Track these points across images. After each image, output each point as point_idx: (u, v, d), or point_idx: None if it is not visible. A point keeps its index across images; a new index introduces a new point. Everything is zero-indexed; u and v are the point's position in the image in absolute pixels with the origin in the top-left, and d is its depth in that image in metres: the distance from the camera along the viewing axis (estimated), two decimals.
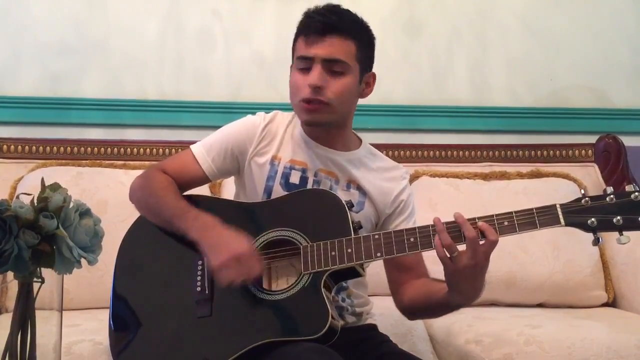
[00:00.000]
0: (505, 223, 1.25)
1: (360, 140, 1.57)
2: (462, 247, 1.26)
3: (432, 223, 1.29)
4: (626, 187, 1.21)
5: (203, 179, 1.52)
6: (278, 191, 1.47)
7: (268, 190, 1.47)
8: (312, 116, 1.43)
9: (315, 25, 1.41)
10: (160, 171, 1.51)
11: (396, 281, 1.52)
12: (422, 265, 1.51)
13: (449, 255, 1.25)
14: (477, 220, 1.26)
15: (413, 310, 1.51)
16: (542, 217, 1.24)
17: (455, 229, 1.26)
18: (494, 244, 1.24)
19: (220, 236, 1.32)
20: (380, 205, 1.52)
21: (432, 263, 1.39)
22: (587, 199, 1.22)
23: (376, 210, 1.52)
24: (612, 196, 1.21)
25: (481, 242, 1.25)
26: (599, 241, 1.22)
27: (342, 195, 1.42)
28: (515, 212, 1.25)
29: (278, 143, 1.50)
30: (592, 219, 1.21)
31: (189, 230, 1.37)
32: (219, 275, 1.30)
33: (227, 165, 1.51)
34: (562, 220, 1.22)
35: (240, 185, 1.55)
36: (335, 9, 1.44)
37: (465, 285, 1.30)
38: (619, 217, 1.19)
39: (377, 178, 1.53)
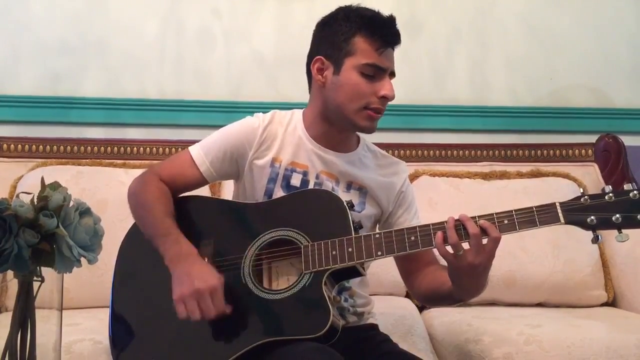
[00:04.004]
0: (506, 221, 1.26)
1: (358, 138, 1.57)
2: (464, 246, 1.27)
3: (431, 223, 1.30)
4: (624, 185, 1.22)
5: (201, 182, 1.52)
6: (278, 194, 1.46)
7: (269, 193, 1.47)
8: (375, 124, 1.45)
9: (387, 36, 1.43)
10: (157, 177, 1.50)
11: (406, 270, 1.55)
12: (429, 253, 1.52)
13: (452, 252, 1.26)
14: (477, 219, 1.26)
15: (423, 298, 1.56)
16: (542, 215, 1.24)
17: (457, 227, 1.27)
18: (496, 240, 1.25)
19: (189, 268, 1.30)
20: (383, 203, 1.53)
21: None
22: (586, 197, 1.23)
23: (379, 207, 1.53)
24: (610, 195, 1.22)
25: (484, 241, 1.25)
26: (598, 239, 1.23)
27: (343, 197, 1.42)
28: (516, 210, 1.26)
29: (278, 144, 1.49)
30: (592, 217, 1.22)
31: (165, 254, 1.36)
32: (176, 308, 1.29)
33: (226, 168, 1.50)
34: (562, 219, 1.23)
35: (239, 187, 1.55)
36: (394, 19, 1.46)
37: (467, 282, 1.31)
38: (617, 215, 1.20)
39: (378, 175, 1.53)
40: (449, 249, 1.27)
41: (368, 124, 1.44)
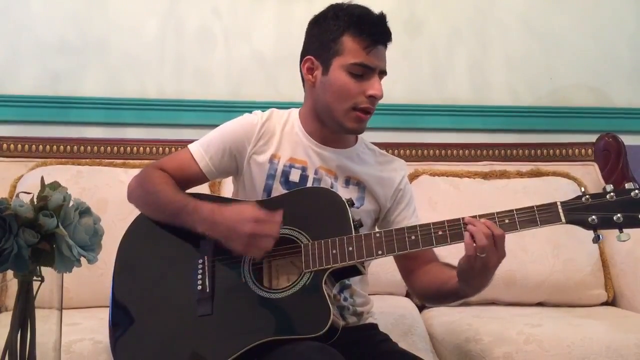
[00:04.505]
0: (507, 221, 1.26)
1: (356, 136, 1.57)
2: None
3: (432, 222, 1.30)
4: (626, 185, 1.22)
5: (201, 178, 1.52)
6: (278, 190, 1.47)
7: (268, 189, 1.47)
8: (363, 125, 1.45)
9: (376, 34, 1.41)
10: (157, 169, 1.51)
11: (406, 269, 1.55)
12: (429, 251, 1.51)
13: (477, 254, 1.24)
14: (478, 219, 1.26)
15: (424, 297, 1.57)
16: (543, 214, 1.24)
17: (457, 227, 1.27)
18: (502, 237, 1.24)
19: (225, 224, 1.32)
20: (381, 199, 1.52)
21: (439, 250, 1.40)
22: (587, 196, 1.23)
23: (377, 204, 1.53)
24: (612, 194, 1.21)
25: None
26: (599, 239, 1.23)
27: (342, 193, 1.42)
28: (517, 209, 1.26)
29: (277, 141, 1.50)
30: (593, 217, 1.21)
31: (195, 227, 1.38)
32: (252, 257, 1.33)
33: (225, 164, 1.51)
34: (563, 218, 1.23)
35: (238, 184, 1.55)
36: (384, 17, 1.44)
37: (478, 280, 1.31)
38: (619, 215, 1.20)
39: (376, 170, 1.54)
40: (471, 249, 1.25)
41: (356, 126, 1.44)
